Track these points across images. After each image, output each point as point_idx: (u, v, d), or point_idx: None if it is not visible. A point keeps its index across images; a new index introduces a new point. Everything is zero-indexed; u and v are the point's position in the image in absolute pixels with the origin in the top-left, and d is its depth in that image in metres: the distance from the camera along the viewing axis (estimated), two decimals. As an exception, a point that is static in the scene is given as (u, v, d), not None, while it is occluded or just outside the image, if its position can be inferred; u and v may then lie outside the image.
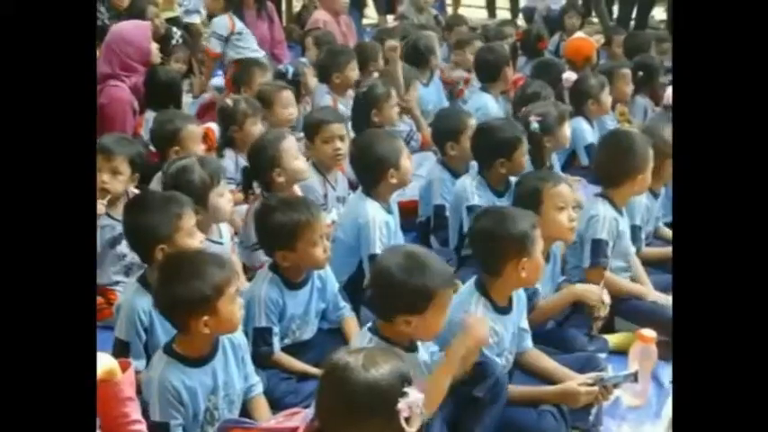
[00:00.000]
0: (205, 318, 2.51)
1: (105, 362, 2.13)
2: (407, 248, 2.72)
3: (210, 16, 6.94)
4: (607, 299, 3.39)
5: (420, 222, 4.45)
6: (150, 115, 4.98)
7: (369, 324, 2.68)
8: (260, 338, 3.09)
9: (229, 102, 4.75)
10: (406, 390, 1.95)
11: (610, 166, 3.78)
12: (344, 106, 5.28)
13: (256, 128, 4.62)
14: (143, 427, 2.22)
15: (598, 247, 3.62)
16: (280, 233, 3.08)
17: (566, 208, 3.36)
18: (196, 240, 3.04)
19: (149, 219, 3.00)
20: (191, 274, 2.52)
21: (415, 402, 1.94)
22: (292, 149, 3.90)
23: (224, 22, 6.59)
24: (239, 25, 6.64)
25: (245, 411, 2.77)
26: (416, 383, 1.99)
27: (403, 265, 2.54)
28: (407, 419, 1.93)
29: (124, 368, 2.19)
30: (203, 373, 2.61)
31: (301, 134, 4.52)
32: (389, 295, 2.56)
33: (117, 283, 3.65)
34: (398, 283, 2.52)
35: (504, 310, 2.98)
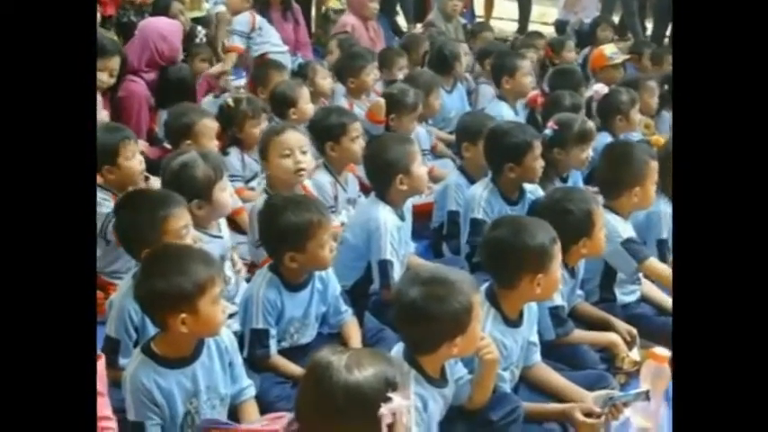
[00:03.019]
0: (183, 315, 2.41)
1: None
2: (424, 275, 2.51)
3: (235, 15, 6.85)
4: (636, 357, 3.25)
5: (434, 228, 4.34)
6: (164, 114, 4.92)
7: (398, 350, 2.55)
8: (256, 340, 3.00)
9: (230, 102, 4.66)
10: (390, 395, 1.86)
11: (608, 178, 3.74)
12: (361, 109, 5.19)
13: (258, 129, 4.55)
14: (111, 423, 2.14)
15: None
16: (290, 234, 2.96)
17: (603, 227, 3.31)
18: (186, 242, 2.93)
19: (136, 219, 2.94)
20: (173, 269, 2.44)
21: (398, 408, 1.85)
22: (278, 146, 3.75)
23: (245, 19, 6.48)
24: (260, 21, 6.55)
25: (235, 416, 2.66)
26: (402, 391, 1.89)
27: (432, 294, 2.40)
28: (390, 426, 1.84)
29: None
30: (182, 374, 2.52)
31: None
32: (430, 329, 2.43)
33: (128, 270, 3.57)
34: (435, 315, 2.40)
35: (514, 323, 2.87)
